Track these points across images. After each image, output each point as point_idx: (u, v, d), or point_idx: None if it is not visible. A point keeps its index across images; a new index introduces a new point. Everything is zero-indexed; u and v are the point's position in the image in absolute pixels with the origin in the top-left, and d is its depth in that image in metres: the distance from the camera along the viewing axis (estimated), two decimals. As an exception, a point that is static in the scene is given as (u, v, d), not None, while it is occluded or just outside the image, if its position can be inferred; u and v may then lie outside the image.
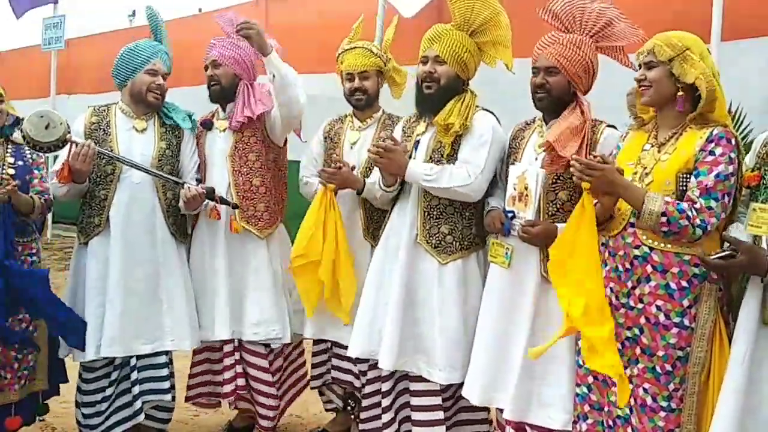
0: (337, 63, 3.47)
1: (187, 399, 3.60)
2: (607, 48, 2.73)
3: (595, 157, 2.34)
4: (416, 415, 3.06)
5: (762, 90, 4.09)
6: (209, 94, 3.48)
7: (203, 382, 3.59)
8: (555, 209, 2.74)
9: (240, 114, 3.37)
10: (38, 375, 3.28)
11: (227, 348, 3.44)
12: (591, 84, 2.78)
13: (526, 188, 2.70)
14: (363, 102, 3.39)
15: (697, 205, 2.27)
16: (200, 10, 8.08)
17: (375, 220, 3.36)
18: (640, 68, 2.47)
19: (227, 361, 3.44)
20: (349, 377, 3.43)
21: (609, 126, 2.74)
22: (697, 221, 2.26)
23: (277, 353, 3.52)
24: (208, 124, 3.48)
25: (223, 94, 3.42)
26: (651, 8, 4.29)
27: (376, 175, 3.14)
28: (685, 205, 2.27)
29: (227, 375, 3.44)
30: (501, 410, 2.80)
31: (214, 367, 3.56)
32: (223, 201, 3.28)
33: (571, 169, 2.38)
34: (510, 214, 2.75)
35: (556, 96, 2.73)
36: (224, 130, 3.43)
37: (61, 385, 3.45)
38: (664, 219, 2.25)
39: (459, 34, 2.96)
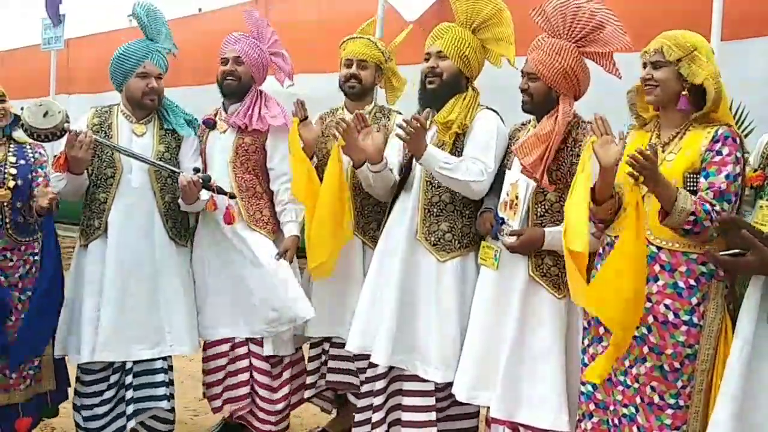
0: (339, 51, 3.45)
1: (215, 410, 3.55)
2: (593, 53, 2.69)
3: (649, 149, 2.24)
4: (407, 416, 3.04)
5: (762, 90, 4.09)
6: (222, 88, 3.42)
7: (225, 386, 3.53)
8: (543, 210, 2.75)
9: (241, 117, 3.34)
10: (44, 376, 3.26)
11: (241, 351, 3.43)
12: (579, 89, 2.75)
13: (516, 197, 2.72)
14: (356, 90, 3.38)
15: (716, 208, 2.27)
16: (200, 9, 8.07)
17: (366, 215, 3.35)
18: (645, 67, 2.46)
19: (240, 364, 3.43)
20: (348, 378, 3.40)
21: None
22: (716, 224, 2.26)
23: (285, 363, 3.50)
24: (210, 124, 3.45)
25: (237, 91, 3.38)
26: (650, 8, 4.29)
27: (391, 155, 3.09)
28: (708, 206, 2.27)
29: (242, 377, 3.43)
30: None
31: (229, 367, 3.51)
32: (220, 191, 3.22)
33: (628, 161, 2.24)
34: (500, 220, 2.77)
35: (537, 102, 2.75)
36: (225, 132, 3.41)
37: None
38: (691, 218, 2.25)
39: (462, 30, 2.98)
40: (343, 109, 3.47)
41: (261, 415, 3.47)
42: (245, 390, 3.46)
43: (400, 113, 3.44)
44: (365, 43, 3.39)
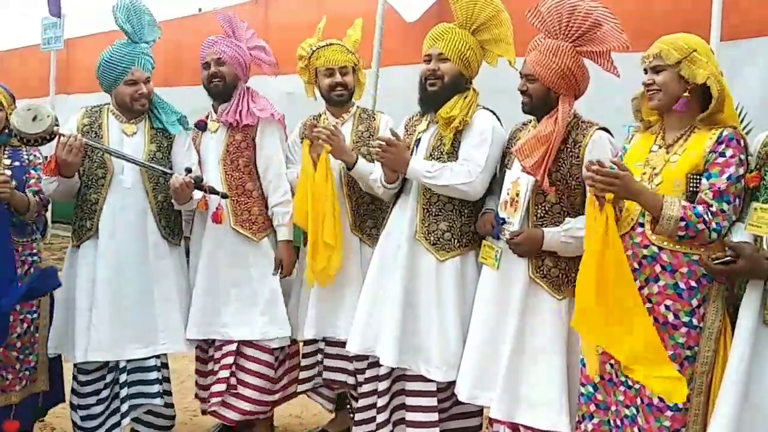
0: (306, 61, 3.47)
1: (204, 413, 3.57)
2: (589, 53, 2.68)
3: (612, 165, 2.29)
4: (411, 416, 3.06)
5: (761, 90, 4.08)
6: (210, 92, 3.46)
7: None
8: (543, 212, 2.75)
9: (232, 114, 3.37)
10: (39, 376, 3.28)
11: (229, 348, 3.40)
12: (578, 89, 2.74)
13: (517, 195, 2.72)
14: (344, 97, 3.42)
15: (713, 208, 2.28)
16: (200, 9, 8.06)
17: (361, 214, 3.39)
18: (646, 73, 2.47)
19: (226, 360, 3.40)
20: (343, 377, 3.42)
21: (601, 129, 2.73)
22: (713, 225, 2.27)
23: (279, 357, 3.52)
24: (201, 126, 3.48)
25: (224, 91, 3.40)
26: (650, 8, 4.29)
27: (378, 171, 3.14)
28: (701, 208, 2.28)
29: (223, 374, 3.39)
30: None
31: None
32: (212, 191, 3.23)
33: (588, 180, 2.33)
34: (501, 220, 2.77)
35: (537, 103, 2.75)
36: (216, 131, 3.44)
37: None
38: (682, 224, 2.26)
39: (462, 32, 2.98)
40: (325, 113, 3.50)
41: (254, 398, 3.43)
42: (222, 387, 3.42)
43: (381, 112, 3.50)
44: (340, 49, 3.41)
